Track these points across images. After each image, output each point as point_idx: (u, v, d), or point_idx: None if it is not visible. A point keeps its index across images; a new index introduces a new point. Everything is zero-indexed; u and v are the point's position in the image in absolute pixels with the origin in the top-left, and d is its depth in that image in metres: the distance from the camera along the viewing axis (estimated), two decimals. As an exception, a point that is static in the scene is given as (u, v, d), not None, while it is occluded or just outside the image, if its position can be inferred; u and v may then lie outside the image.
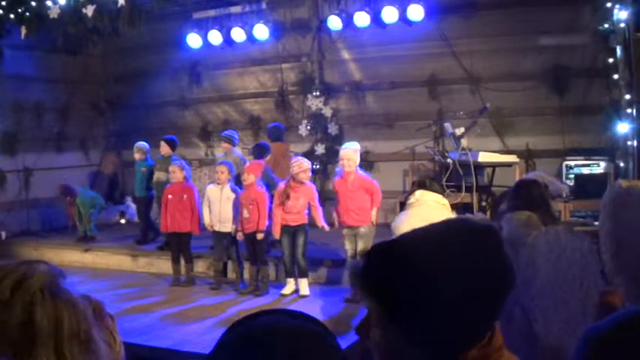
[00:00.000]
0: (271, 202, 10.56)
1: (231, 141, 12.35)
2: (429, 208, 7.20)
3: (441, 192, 7.72)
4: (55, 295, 1.75)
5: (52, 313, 1.72)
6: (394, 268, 1.77)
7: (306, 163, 10.38)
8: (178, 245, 11.40)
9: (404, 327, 1.75)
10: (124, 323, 8.87)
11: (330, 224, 10.44)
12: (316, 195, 10.54)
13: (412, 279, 1.72)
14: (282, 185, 10.42)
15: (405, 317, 1.75)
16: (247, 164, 11.12)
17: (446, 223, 1.88)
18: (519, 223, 5.39)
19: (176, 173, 11.18)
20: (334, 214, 10.36)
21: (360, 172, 10.15)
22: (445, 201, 7.54)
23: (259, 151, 11.74)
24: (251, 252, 10.81)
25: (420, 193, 7.47)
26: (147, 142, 13.63)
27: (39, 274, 1.77)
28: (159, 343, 8.53)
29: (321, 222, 10.40)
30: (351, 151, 10.00)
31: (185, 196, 11.27)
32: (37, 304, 1.71)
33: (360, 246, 9.90)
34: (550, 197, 5.74)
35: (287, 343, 1.46)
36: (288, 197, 10.26)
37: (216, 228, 10.99)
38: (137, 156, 13.49)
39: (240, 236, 10.79)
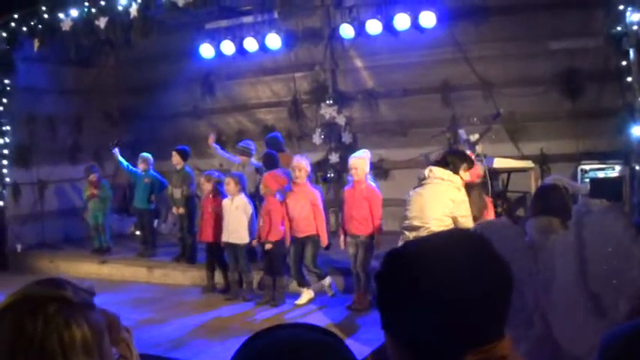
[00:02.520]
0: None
1: (248, 152, 12.32)
2: (433, 187, 7.61)
3: (454, 164, 7.76)
4: (80, 318, 1.77)
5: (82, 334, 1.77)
6: (391, 278, 1.80)
7: (299, 161, 10.40)
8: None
9: (400, 337, 1.77)
10: (141, 334, 8.90)
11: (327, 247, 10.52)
12: (318, 197, 10.51)
13: (404, 288, 1.75)
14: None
15: (400, 326, 1.76)
16: (264, 175, 11.10)
17: (444, 234, 1.92)
18: (540, 229, 5.38)
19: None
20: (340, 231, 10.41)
21: (371, 182, 10.12)
22: (455, 178, 7.60)
23: (271, 162, 11.69)
24: (267, 262, 10.82)
25: (428, 170, 7.66)
26: (161, 152, 13.70)
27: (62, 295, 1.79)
28: (176, 354, 8.55)
29: (323, 234, 10.42)
30: (357, 159, 9.97)
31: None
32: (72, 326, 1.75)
33: (360, 255, 9.92)
34: (571, 201, 5.73)
35: (305, 357, 1.46)
36: (287, 199, 10.41)
37: (225, 238, 11.02)
38: (141, 166, 13.62)
39: (254, 243, 10.90)
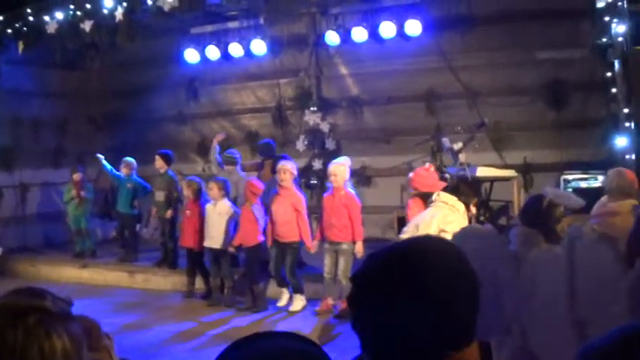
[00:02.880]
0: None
1: (233, 161, 12.27)
2: (435, 209, 7.55)
3: (467, 196, 7.76)
4: (61, 330, 1.77)
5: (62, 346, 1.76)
6: (385, 276, 1.77)
7: (284, 164, 10.43)
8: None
9: (387, 338, 1.75)
10: (122, 340, 8.82)
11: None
12: (303, 203, 10.53)
13: (397, 288, 1.73)
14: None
15: (386, 326, 1.74)
16: (245, 182, 11.07)
17: (427, 239, 1.93)
18: (523, 239, 5.39)
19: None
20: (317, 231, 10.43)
21: (350, 189, 10.13)
22: (458, 204, 7.58)
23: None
24: (245, 268, 10.88)
25: (436, 194, 7.69)
26: (145, 157, 13.65)
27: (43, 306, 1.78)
28: None
29: (307, 238, 10.42)
30: (336, 166, 10.03)
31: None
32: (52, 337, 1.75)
33: (341, 262, 9.94)
34: (561, 215, 5.71)
35: None
36: (272, 203, 10.41)
37: (207, 243, 11.01)
38: (124, 171, 13.57)
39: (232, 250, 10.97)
